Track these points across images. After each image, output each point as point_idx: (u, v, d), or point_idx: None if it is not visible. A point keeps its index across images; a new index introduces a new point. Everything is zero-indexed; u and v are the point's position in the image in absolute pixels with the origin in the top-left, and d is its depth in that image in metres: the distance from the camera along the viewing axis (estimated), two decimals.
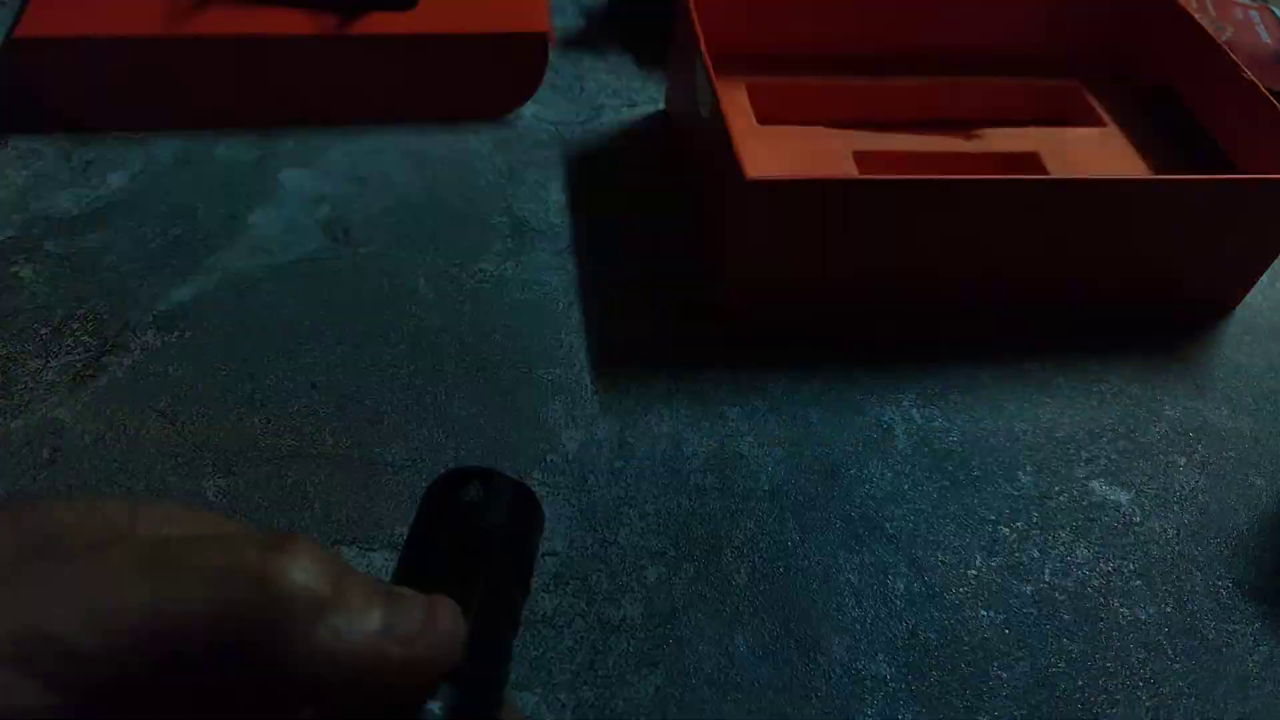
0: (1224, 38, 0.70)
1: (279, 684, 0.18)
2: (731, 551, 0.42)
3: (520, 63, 0.60)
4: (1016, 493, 0.46)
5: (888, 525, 0.44)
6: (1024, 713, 0.39)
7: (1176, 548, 0.45)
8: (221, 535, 0.19)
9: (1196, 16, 0.61)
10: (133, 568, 0.18)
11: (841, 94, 0.63)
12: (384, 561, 0.41)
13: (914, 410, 0.49)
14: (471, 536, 0.24)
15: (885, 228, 0.49)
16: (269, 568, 0.18)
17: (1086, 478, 0.47)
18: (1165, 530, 0.46)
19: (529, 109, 0.63)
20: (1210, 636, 0.42)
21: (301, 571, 0.19)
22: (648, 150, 0.62)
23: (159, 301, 0.50)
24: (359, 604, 0.19)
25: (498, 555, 0.24)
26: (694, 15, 0.53)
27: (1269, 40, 0.71)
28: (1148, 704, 0.40)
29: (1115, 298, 0.55)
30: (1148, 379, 0.52)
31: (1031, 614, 0.42)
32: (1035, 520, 0.45)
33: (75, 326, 0.48)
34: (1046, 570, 0.44)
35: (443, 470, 0.25)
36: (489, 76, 0.60)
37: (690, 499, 0.44)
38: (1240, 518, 0.47)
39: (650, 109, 0.65)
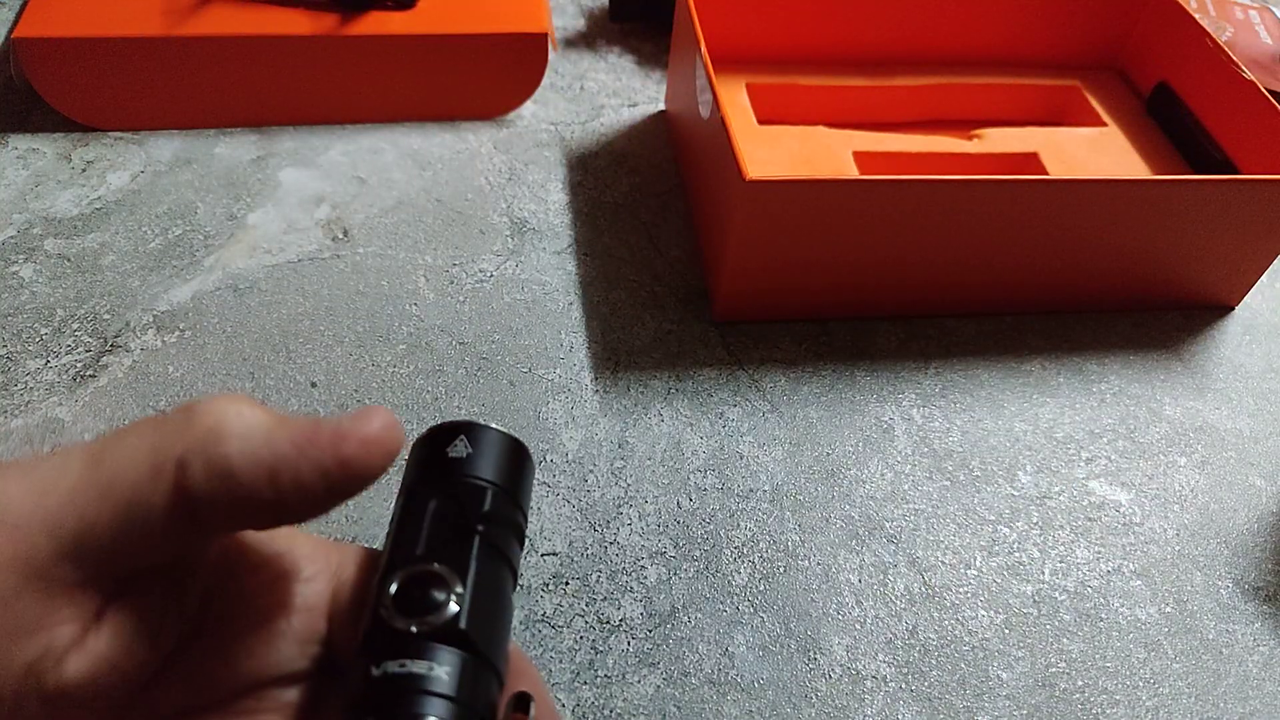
0: (1224, 38, 0.70)
1: (193, 508, 0.19)
2: (731, 551, 0.42)
3: (520, 63, 0.60)
4: (1016, 493, 0.46)
5: (888, 525, 0.44)
6: (1024, 713, 0.39)
7: (1176, 548, 0.45)
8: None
9: (1196, 16, 0.61)
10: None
11: (841, 94, 0.63)
12: None
13: (914, 410, 0.49)
14: (463, 493, 0.23)
15: (885, 228, 0.49)
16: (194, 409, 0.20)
17: (1086, 478, 0.47)
18: (1165, 530, 0.46)
19: (529, 109, 0.63)
20: (1210, 636, 0.42)
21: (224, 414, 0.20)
22: (648, 150, 0.62)
23: (159, 301, 0.50)
24: (265, 426, 0.20)
25: (491, 510, 0.23)
26: (694, 15, 0.53)
27: (1269, 40, 0.71)
28: (1148, 704, 0.40)
29: (1115, 298, 0.55)
30: (1148, 379, 0.52)
31: (1031, 614, 0.42)
32: (1035, 520, 0.45)
33: (75, 326, 0.48)
34: (1046, 570, 0.44)
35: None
36: (489, 76, 0.60)
37: (690, 499, 0.44)
38: (1240, 518, 0.47)
39: (650, 109, 0.65)
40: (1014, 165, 0.60)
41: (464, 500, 0.23)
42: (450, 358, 0.49)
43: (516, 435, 0.25)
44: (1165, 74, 0.63)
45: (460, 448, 0.24)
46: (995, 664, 0.40)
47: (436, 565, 0.21)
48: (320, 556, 0.24)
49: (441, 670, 0.20)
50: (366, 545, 0.25)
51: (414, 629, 0.20)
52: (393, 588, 0.21)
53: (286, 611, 0.23)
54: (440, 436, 0.24)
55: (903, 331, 0.53)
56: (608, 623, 0.40)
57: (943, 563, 0.43)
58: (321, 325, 0.50)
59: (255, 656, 0.22)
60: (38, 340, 0.48)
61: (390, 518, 0.23)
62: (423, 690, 0.20)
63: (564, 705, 0.37)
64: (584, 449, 0.45)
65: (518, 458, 0.24)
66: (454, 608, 0.21)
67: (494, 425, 0.24)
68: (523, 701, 0.22)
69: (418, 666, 0.20)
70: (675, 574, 0.41)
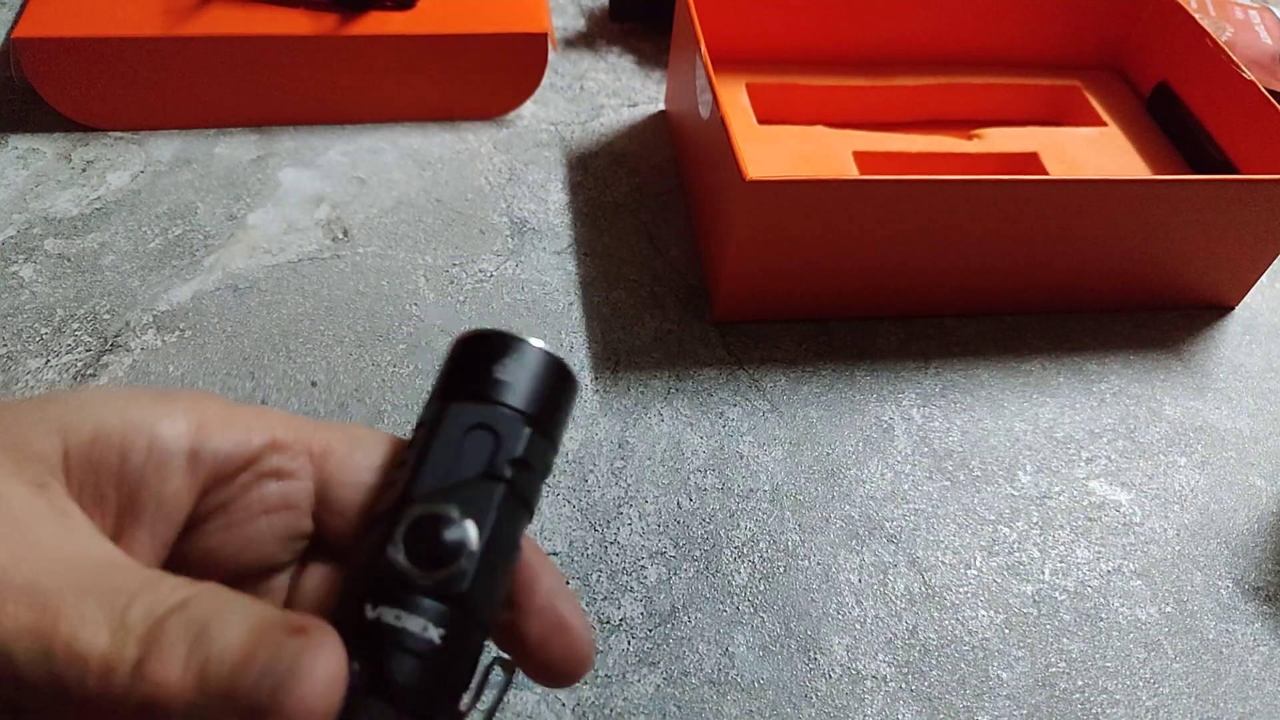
0: (1224, 38, 0.70)
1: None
2: (731, 551, 0.42)
3: (520, 63, 0.60)
4: (1016, 493, 0.46)
5: (888, 525, 0.44)
6: (1024, 713, 0.39)
7: (1176, 548, 0.45)
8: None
9: (1196, 16, 0.61)
10: None
11: (841, 94, 0.63)
12: None
13: (914, 410, 0.49)
14: (502, 426, 0.21)
15: (885, 228, 0.49)
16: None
17: (1086, 478, 0.47)
18: (1165, 530, 0.46)
19: (529, 109, 0.63)
20: (1210, 636, 0.42)
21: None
22: (648, 150, 0.62)
23: (159, 301, 0.50)
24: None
25: (526, 454, 0.21)
26: (694, 15, 0.53)
27: (1269, 40, 0.71)
28: (1148, 704, 0.40)
29: (1115, 298, 0.55)
30: (1148, 379, 0.52)
31: (1031, 614, 0.42)
32: (1035, 520, 0.45)
33: (75, 326, 0.48)
34: (1046, 570, 0.44)
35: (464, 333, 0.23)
36: (489, 76, 0.60)
37: (690, 499, 0.44)
38: (1240, 518, 0.47)
39: (650, 109, 0.65)
40: (1014, 165, 0.60)
41: (501, 435, 0.21)
42: None
43: (563, 358, 0.23)
44: (1165, 74, 0.63)
45: (509, 368, 0.22)
46: (995, 664, 0.40)
47: (456, 513, 0.20)
48: (301, 448, 0.24)
49: (435, 633, 0.19)
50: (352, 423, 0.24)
51: (419, 580, 0.20)
52: (403, 527, 0.20)
53: (267, 513, 0.23)
54: (487, 348, 0.22)
55: (903, 331, 0.53)
56: (608, 622, 0.40)
57: (943, 563, 0.43)
58: (321, 325, 0.50)
59: (234, 558, 0.22)
60: (38, 340, 0.48)
61: (419, 419, 0.22)
62: (409, 650, 0.19)
63: (564, 705, 0.37)
64: (584, 449, 0.45)
65: (564, 387, 0.23)
66: (464, 566, 0.20)
67: (543, 345, 0.23)
68: (506, 668, 0.21)
69: (412, 623, 0.19)
70: (675, 574, 0.41)
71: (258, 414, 0.24)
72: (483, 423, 0.21)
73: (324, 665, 0.18)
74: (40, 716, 0.19)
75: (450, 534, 0.20)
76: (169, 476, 0.22)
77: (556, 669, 0.23)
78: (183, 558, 0.22)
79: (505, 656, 0.22)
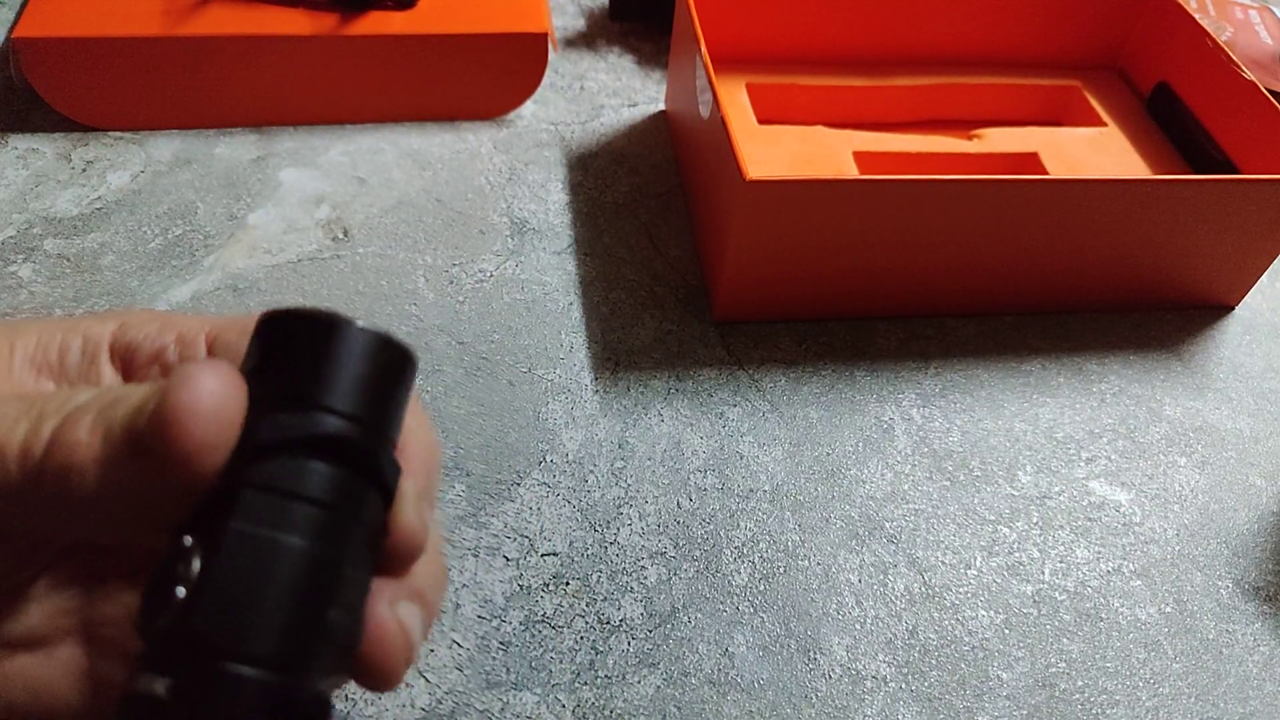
0: (1224, 38, 0.70)
1: None
2: (731, 551, 0.42)
3: (520, 63, 0.60)
4: (1016, 493, 0.46)
5: (888, 525, 0.44)
6: (1024, 713, 0.39)
7: (1176, 548, 0.45)
8: None
9: (1196, 16, 0.61)
10: None
11: (841, 94, 0.63)
12: None
13: (914, 410, 0.49)
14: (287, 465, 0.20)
15: (885, 228, 0.49)
16: None
17: (1086, 478, 0.47)
18: (1165, 530, 0.46)
19: (529, 109, 0.63)
20: (1210, 636, 0.42)
21: None
22: (648, 150, 0.62)
23: (159, 301, 0.50)
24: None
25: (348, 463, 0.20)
26: (694, 15, 0.53)
27: (1269, 40, 0.71)
28: (1148, 704, 0.40)
29: (1115, 298, 0.55)
30: (1148, 379, 0.52)
31: (1031, 614, 0.42)
32: (1035, 520, 0.45)
33: None
34: (1046, 570, 0.44)
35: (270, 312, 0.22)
36: (489, 76, 0.60)
37: (690, 499, 0.44)
38: (1240, 518, 0.47)
39: (650, 109, 0.65)
40: (1014, 165, 0.60)
41: (288, 473, 0.20)
42: (449, 357, 0.49)
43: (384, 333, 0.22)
44: (1165, 74, 0.63)
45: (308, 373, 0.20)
46: (995, 664, 0.40)
47: (187, 539, 0.19)
48: (203, 339, 0.26)
49: (163, 686, 0.19)
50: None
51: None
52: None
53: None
54: (286, 339, 0.21)
55: (903, 331, 0.53)
56: (608, 623, 0.40)
57: (943, 563, 0.43)
58: None
59: None
60: None
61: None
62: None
63: (564, 705, 0.37)
64: (584, 449, 0.45)
65: (393, 365, 0.22)
66: (180, 591, 0.19)
67: (355, 324, 0.21)
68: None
69: (150, 685, 0.19)
70: (675, 574, 0.41)
71: (180, 316, 0.26)
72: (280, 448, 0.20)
73: (208, 377, 0.20)
74: None
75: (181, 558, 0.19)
76: (99, 362, 0.25)
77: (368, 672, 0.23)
78: None
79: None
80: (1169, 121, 0.63)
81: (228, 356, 0.25)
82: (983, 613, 0.42)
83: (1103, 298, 0.55)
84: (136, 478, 0.20)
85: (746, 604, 0.41)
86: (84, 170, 0.56)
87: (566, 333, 0.50)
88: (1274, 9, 0.74)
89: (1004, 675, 0.40)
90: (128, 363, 0.25)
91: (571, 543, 0.42)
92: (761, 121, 0.59)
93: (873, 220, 0.48)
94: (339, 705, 0.36)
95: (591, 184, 0.59)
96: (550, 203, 0.57)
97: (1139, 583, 0.44)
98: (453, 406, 0.47)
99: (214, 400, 0.19)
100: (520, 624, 0.39)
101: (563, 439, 0.46)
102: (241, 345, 0.25)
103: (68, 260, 0.51)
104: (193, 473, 0.19)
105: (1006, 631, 0.41)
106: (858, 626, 0.41)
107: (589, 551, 0.42)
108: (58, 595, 0.25)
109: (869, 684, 0.39)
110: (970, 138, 0.61)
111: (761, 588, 0.41)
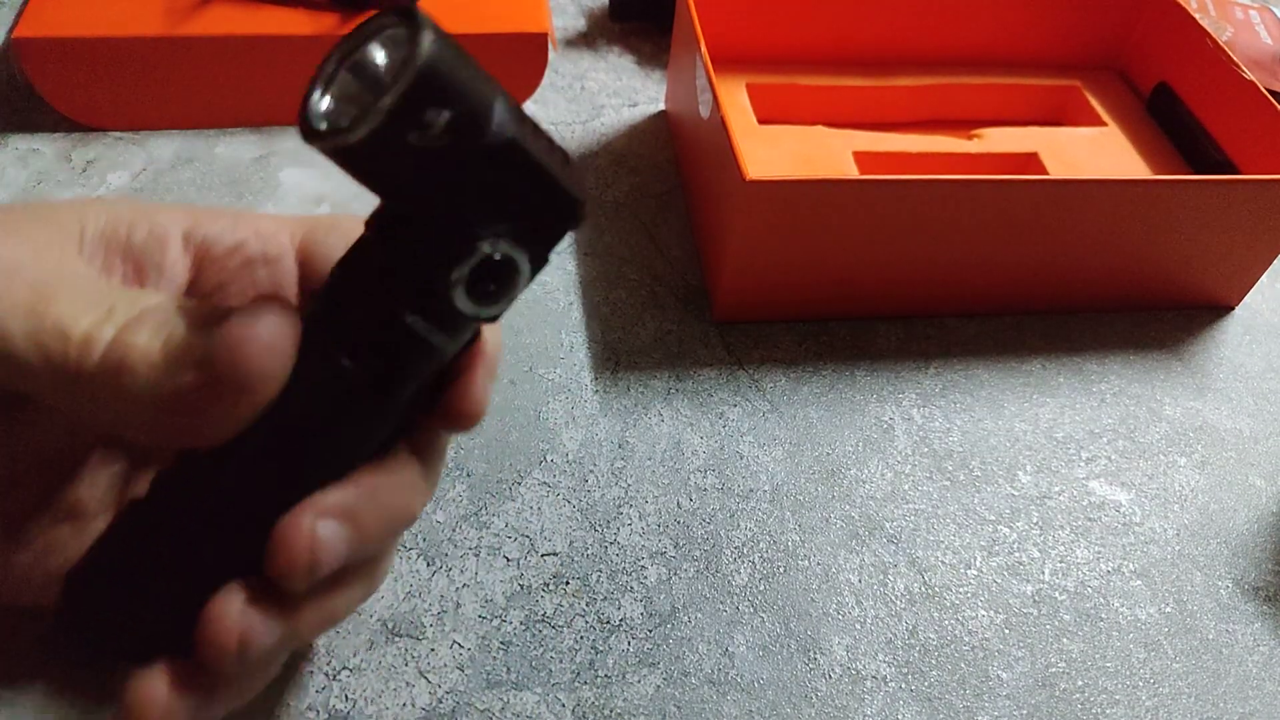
0: (1224, 38, 0.70)
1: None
2: (731, 551, 0.42)
3: (520, 63, 0.60)
4: (1016, 493, 0.46)
5: (888, 525, 0.44)
6: (1024, 713, 0.39)
7: (1176, 548, 0.45)
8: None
9: (1196, 16, 0.61)
10: None
11: (841, 94, 0.63)
12: None
13: (914, 410, 0.49)
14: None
15: (885, 228, 0.49)
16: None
17: (1086, 478, 0.47)
18: (1165, 530, 0.46)
19: (529, 108, 0.63)
20: (1210, 636, 0.42)
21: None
22: (648, 150, 0.62)
23: None
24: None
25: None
26: (694, 15, 0.53)
27: (1269, 40, 0.71)
28: (1148, 704, 0.40)
29: (1115, 298, 0.55)
30: (1148, 379, 0.52)
31: (1031, 614, 0.42)
32: (1035, 520, 0.45)
33: None
34: (1046, 570, 0.44)
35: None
36: None
37: (690, 499, 0.44)
38: (1240, 518, 0.47)
39: (650, 109, 0.65)
40: (1014, 165, 0.60)
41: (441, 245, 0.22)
42: None
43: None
44: (1165, 74, 0.63)
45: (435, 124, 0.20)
46: (995, 664, 0.40)
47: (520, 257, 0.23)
48: (284, 234, 0.26)
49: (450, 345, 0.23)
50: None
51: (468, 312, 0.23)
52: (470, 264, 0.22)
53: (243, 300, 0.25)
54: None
55: (903, 331, 0.53)
56: (608, 623, 0.40)
57: (943, 563, 0.43)
58: None
59: None
60: None
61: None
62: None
63: (564, 706, 0.37)
64: (584, 449, 0.45)
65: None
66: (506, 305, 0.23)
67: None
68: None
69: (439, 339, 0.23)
70: (675, 574, 0.41)
71: (251, 213, 0.27)
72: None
73: (270, 316, 0.21)
74: (33, 402, 0.23)
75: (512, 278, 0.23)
76: (167, 249, 0.25)
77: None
78: None
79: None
80: (1169, 121, 0.63)
81: (320, 255, 0.26)
82: (983, 613, 0.42)
83: (1103, 298, 0.55)
84: (188, 389, 0.20)
85: (746, 604, 0.41)
86: (84, 170, 0.56)
87: (567, 332, 0.50)
88: (1274, 9, 0.74)
89: (1004, 675, 0.40)
90: (203, 253, 0.26)
91: (572, 542, 0.42)
92: (761, 121, 0.59)
93: (873, 220, 0.48)
94: (340, 705, 0.36)
95: (592, 184, 0.59)
96: None
97: (1139, 583, 0.44)
98: None
99: (276, 334, 0.21)
100: (521, 624, 0.39)
101: (563, 438, 0.46)
102: (329, 243, 0.26)
103: None
104: (247, 397, 0.20)
105: (1006, 631, 0.41)
106: (858, 626, 0.41)
107: (589, 551, 0.42)
108: (105, 471, 0.26)
109: (869, 684, 0.39)
110: (970, 138, 0.61)
111: (761, 588, 0.41)
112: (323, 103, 0.20)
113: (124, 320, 0.21)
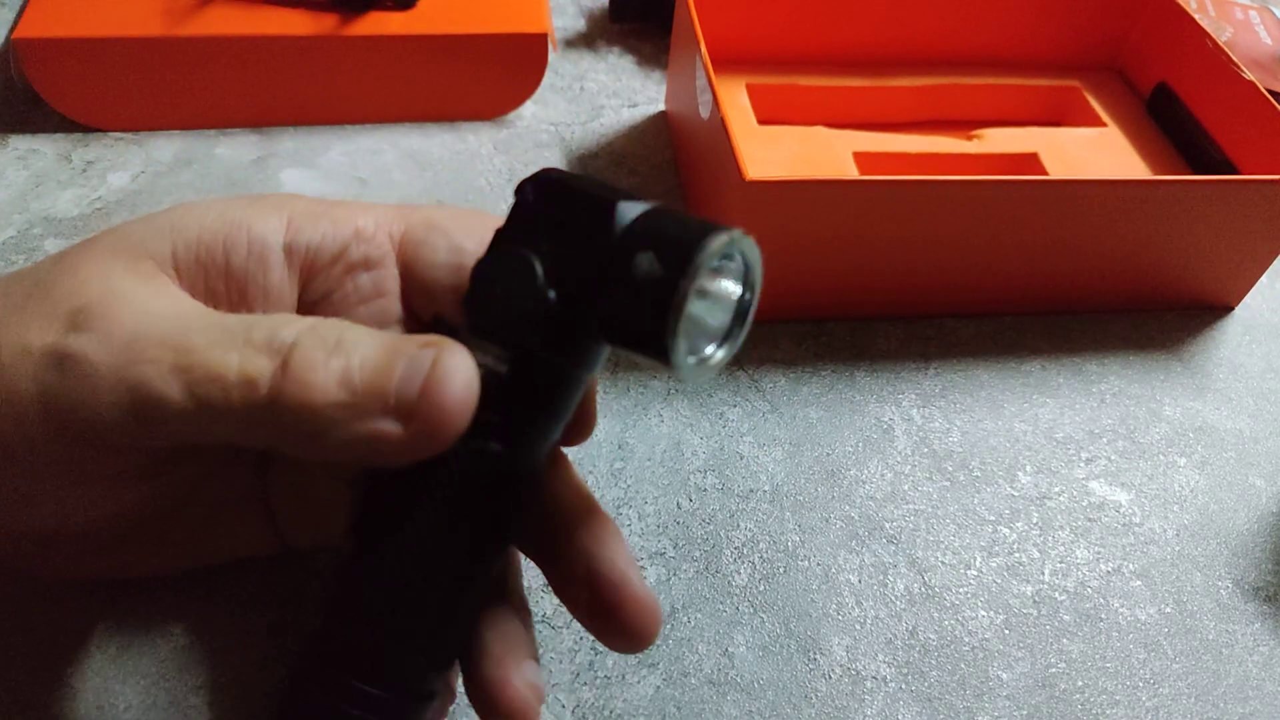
0: (1224, 38, 0.70)
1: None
2: (731, 552, 0.42)
3: (520, 63, 0.60)
4: (1016, 493, 0.46)
5: (888, 525, 0.44)
6: (1024, 713, 0.39)
7: (1176, 548, 0.45)
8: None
9: (1196, 16, 0.61)
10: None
11: (841, 94, 0.63)
12: None
13: (914, 410, 0.49)
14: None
15: (885, 228, 0.49)
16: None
17: (1086, 478, 0.47)
18: (1165, 530, 0.46)
19: (529, 109, 0.63)
20: (1210, 636, 0.42)
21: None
22: (648, 150, 0.62)
23: None
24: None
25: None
26: (694, 15, 0.53)
27: (1269, 40, 0.71)
28: (1148, 704, 0.40)
29: (1115, 298, 0.55)
30: (1148, 379, 0.52)
31: (1031, 614, 0.42)
32: (1035, 520, 0.45)
33: None
34: (1046, 570, 0.44)
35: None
36: (489, 77, 0.60)
37: (690, 499, 0.44)
38: (1240, 518, 0.47)
39: (650, 109, 0.65)
40: (1014, 165, 0.60)
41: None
42: None
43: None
44: (1165, 74, 0.63)
45: (646, 262, 0.22)
46: (995, 664, 0.40)
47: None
48: (383, 235, 0.25)
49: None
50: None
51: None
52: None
53: (363, 302, 0.24)
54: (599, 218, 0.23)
55: (903, 331, 0.53)
56: None
57: (943, 563, 0.43)
58: None
59: None
60: None
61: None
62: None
63: (564, 706, 0.37)
64: (583, 450, 0.45)
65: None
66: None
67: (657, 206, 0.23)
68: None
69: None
70: (675, 574, 0.41)
71: (341, 206, 0.26)
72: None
73: (463, 366, 0.21)
74: (223, 450, 0.24)
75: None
76: (270, 269, 0.24)
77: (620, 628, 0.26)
78: None
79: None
80: (1169, 121, 0.63)
81: (420, 257, 0.26)
82: (983, 613, 0.42)
83: (1103, 298, 0.55)
84: (373, 430, 0.20)
85: (746, 604, 0.41)
86: (84, 170, 0.56)
87: None
88: (1274, 9, 0.74)
89: (1004, 675, 0.40)
90: (308, 265, 0.25)
91: None
92: (761, 121, 0.59)
93: (873, 220, 0.48)
94: None
95: None
96: None
97: (1139, 583, 0.44)
98: None
99: (469, 386, 0.21)
100: None
101: None
102: (431, 243, 0.25)
103: None
104: (435, 442, 0.20)
105: (1006, 632, 0.41)
106: (858, 627, 0.41)
107: None
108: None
109: (869, 684, 0.39)
110: (970, 138, 0.61)
111: (761, 588, 0.41)
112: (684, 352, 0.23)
113: (275, 351, 0.20)
